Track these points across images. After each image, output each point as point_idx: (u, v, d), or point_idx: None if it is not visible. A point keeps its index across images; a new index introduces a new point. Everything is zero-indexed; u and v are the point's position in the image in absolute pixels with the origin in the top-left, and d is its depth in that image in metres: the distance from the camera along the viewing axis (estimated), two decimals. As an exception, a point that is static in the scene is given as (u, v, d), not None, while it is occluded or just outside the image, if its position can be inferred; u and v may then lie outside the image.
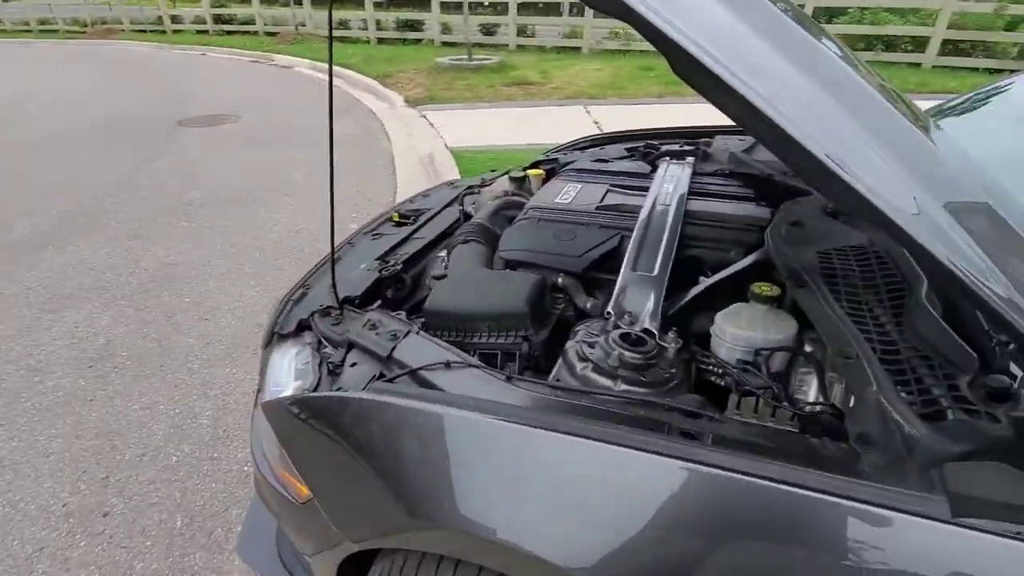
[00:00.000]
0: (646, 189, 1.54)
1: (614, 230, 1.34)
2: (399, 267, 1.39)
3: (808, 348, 0.98)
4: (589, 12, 10.12)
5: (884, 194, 0.65)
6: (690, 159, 1.86)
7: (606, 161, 1.87)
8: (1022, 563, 0.58)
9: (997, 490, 0.64)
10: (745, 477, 0.67)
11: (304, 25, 13.10)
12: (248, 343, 2.63)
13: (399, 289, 1.38)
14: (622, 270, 1.16)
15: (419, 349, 1.02)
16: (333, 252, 1.23)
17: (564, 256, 1.26)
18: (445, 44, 11.28)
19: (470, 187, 1.94)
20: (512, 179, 1.80)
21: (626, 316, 1.04)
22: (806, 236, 1.18)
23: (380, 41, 11.93)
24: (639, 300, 1.09)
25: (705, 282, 1.15)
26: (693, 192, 1.51)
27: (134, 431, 2.15)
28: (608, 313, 1.05)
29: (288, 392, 1.10)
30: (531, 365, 1.10)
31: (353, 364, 1.05)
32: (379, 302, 1.25)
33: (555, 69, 8.77)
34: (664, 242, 1.23)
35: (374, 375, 1.00)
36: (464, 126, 6.10)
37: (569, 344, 1.00)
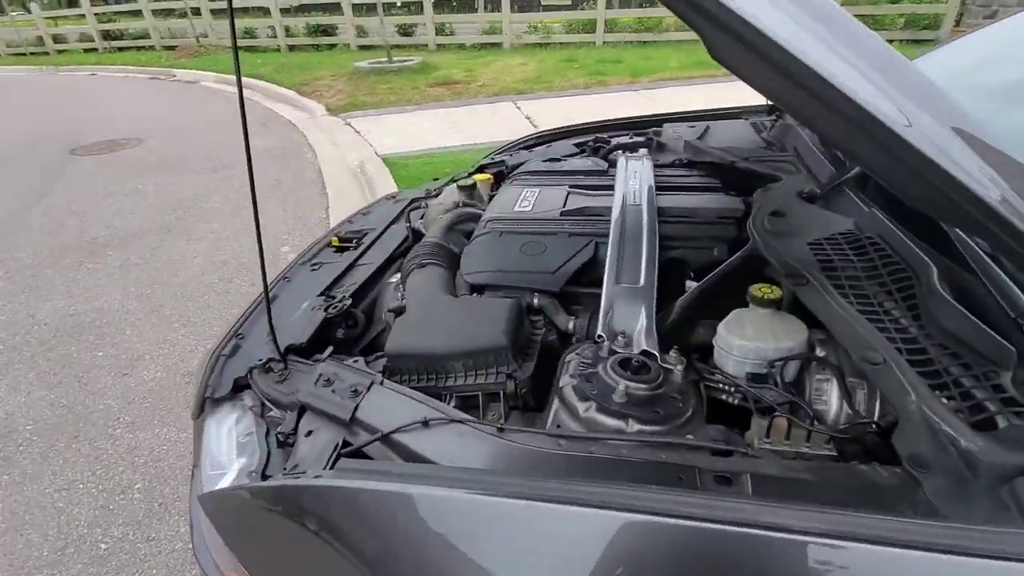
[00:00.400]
0: (608, 188, 1.43)
1: (585, 237, 1.22)
2: (348, 301, 1.21)
3: (820, 352, 0.89)
4: (507, 6, 10.03)
5: (881, 107, 0.59)
6: (644, 151, 1.77)
7: (558, 160, 1.75)
8: None
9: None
10: (816, 539, 0.56)
11: (206, 36, 12.26)
12: (179, 396, 2.33)
13: (351, 327, 1.21)
14: (605, 284, 1.04)
15: (387, 405, 0.86)
16: (267, 292, 1.04)
17: (537, 273, 1.13)
18: (362, 48, 10.87)
19: (415, 200, 1.77)
20: (460, 188, 1.65)
21: (619, 337, 0.92)
22: (790, 227, 1.10)
23: (291, 48, 11.35)
24: (630, 317, 0.97)
25: (695, 288, 1.05)
26: (658, 187, 1.41)
27: (51, 519, 1.84)
28: (599, 336, 0.93)
29: (231, 474, 0.91)
30: (519, 405, 0.96)
31: (309, 432, 0.88)
32: (331, 348, 1.07)
33: (479, 66, 8.63)
34: (645, 247, 1.12)
35: (336, 445, 0.83)
36: (393, 131, 5.85)
37: (564, 380, 0.87)
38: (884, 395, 0.76)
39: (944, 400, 0.71)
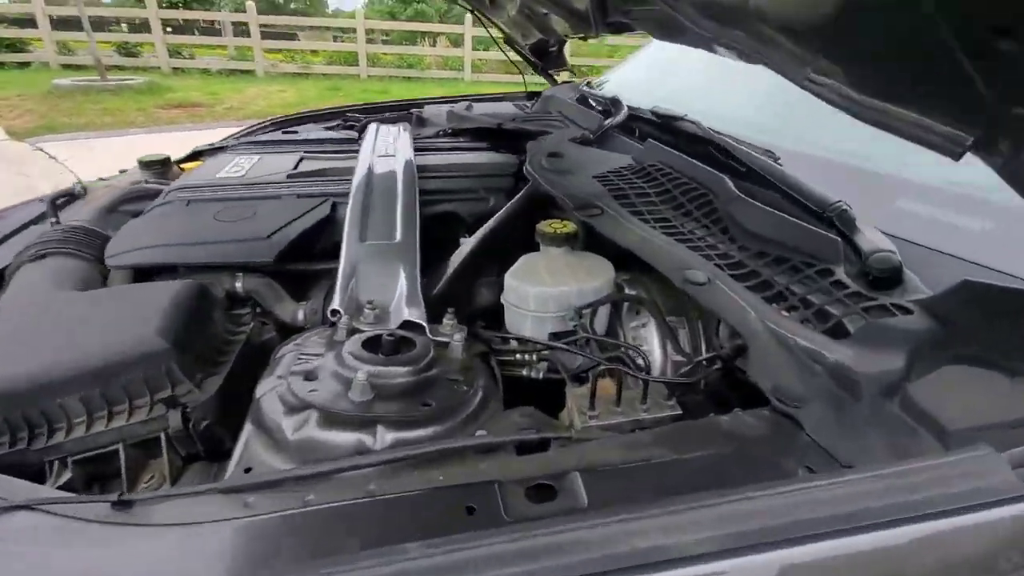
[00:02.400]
0: (352, 152, 1.12)
1: (320, 197, 0.87)
2: None
3: (630, 291, 0.70)
4: (257, 33, 9.14)
5: None
6: (403, 124, 1.51)
7: (296, 133, 1.38)
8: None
9: (986, 405, 0.43)
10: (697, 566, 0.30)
11: None
12: None
13: None
14: (345, 243, 0.71)
15: None
16: None
17: (239, 242, 0.74)
18: (67, 67, 8.75)
19: (69, 191, 1.20)
20: (144, 164, 1.16)
21: (367, 310, 0.60)
22: (570, 165, 0.93)
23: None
24: (383, 282, 0.66)
25: (471, 241, 0.79)
26: (423, 149, 1.15)
27: None
28: (334, 312, 0.59)
29: None
30: (199, 451, 0.56)
31: None
32: None
33: (227, 90, 7.65)
34: (401, 199, 0.82)
35: None
36: (109, 157, 4.66)
37: (262, 387, 0.51)
38: (721, 319, 0.58)
39: (785, 312, 0.55)
